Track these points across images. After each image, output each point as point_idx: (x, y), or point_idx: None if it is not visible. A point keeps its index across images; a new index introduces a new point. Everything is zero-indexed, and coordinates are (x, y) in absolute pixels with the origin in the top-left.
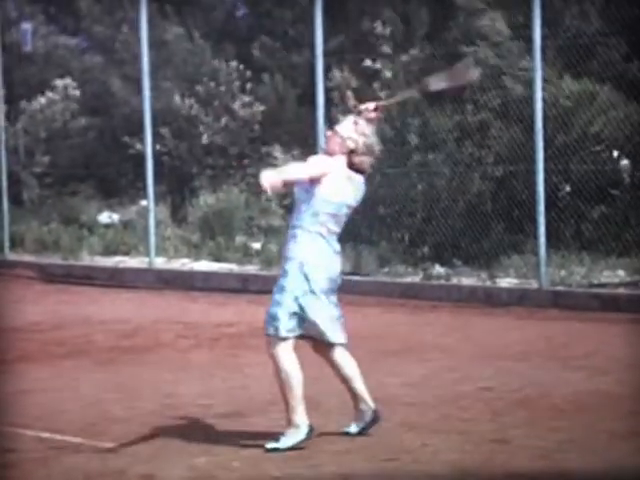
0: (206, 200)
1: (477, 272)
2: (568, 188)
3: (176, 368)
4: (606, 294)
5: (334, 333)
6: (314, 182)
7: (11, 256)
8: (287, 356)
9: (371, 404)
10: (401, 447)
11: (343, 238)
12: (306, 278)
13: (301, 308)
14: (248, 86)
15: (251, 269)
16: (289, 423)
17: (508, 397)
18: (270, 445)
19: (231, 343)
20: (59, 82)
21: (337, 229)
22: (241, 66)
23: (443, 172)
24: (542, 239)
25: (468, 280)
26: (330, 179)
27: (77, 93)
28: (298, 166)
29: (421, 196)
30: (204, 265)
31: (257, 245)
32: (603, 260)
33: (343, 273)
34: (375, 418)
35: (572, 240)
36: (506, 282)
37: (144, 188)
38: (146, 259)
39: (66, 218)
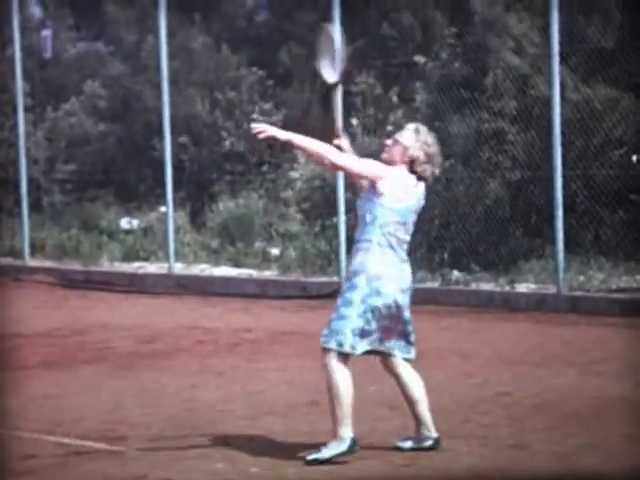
0: (225, 206)
1: (495, 277)
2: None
3: (195, 373)
4: (625, 299)
5: (404, 348)
6: (374, 191)
7: (31, 262)
8: (342, 370)
9: (433, 432)
10: (420, 453)
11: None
12: (377, 292)
13: (368, 322)
14: (270, 93)
15: (270, 275)
16: (334, 435)
17: (526, 402)
18: (311, 457)
19: (250, 348)
20: (87, 87)
21: (407, 237)
22: (261, 72)
23: (461, 178)
24: (560, 244)
25: (486, 285)
26: (390, 185)
27: (104, 99)
28: (344, 156)
29: (439, 202)
30: (223, 270)
31: (276, 251)
32: (622, 265)
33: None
34: (434, 446)
35: (591, 245)
36: (524, 287)
37: (163, 194)
38: (165, 265)
39: (86, 224)
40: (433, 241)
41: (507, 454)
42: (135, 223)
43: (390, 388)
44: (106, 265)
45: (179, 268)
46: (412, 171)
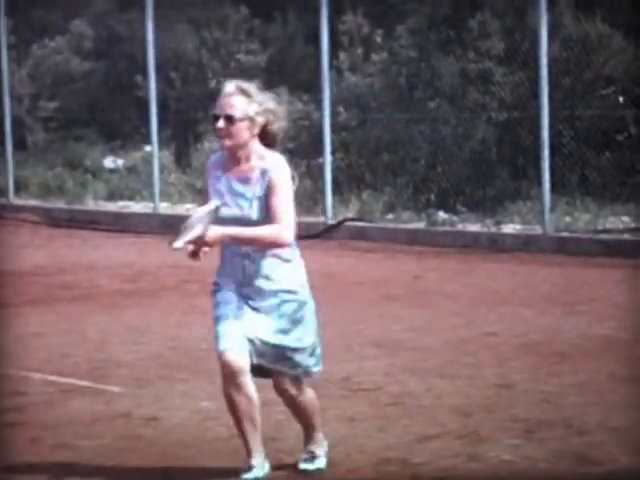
0: (210, 145)
1: (482, 218)
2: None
3: (181, 312)
4: (611, 240)
5: None
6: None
7: (16, 201)
8: None
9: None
10: (405, 391)
11: (348, 185)
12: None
13: None
14: (256, 32)
15: None
16: (317, 442)
17: (512, 342)
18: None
19: None
20: (73, 25)
21: None
22: (246, 10)
23: (447, 118)
24: (546, 185)
25: (473, 226)
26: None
27: (88, 37)
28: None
29: (425, 142)
30: None
31: None
32: (608, 206)
33: (350, 219)
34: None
35: (577, 186)
36: (510, 228)
37: (148, 133)
38: (150, 204)
39: (71, 163)
40: (419, 182)
41: (493, 393)
42: (120, 162)
43: (376, 328)
44: (91, 204)
45: (164, 208)
46: (268, 137)
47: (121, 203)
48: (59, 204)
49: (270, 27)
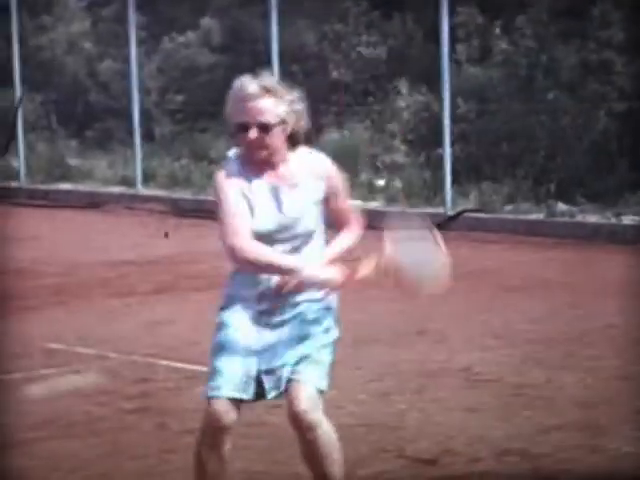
0: (331, 137)
1: (602, 209)
2: None
3: None
4: None
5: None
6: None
7: (144, 191)
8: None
9: None
10: (526, 382)
11: (467, 176)
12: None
13: None
14: (375, 24)
15: (375, 205)
16: None
17: (633, 334)
18: None
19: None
20: (204, 20)
21: None
22: (366, 3)
23: (567, 109)
24: None
25: (592, 217)
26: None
27: (215, 31)
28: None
29: (545, 133)
30: None
31: (381, 182)
32: None
33: (469, 210)
34: None
35: None
36: (631, 219)
37: None
38: None
39: (196, 154)
40: (538, 172)
41: (613, 385)
42: None
43: (496, 319)
44: None
45: None
46: (291, 139)
47: None
48: (186, 194)
49: (389, 23)
